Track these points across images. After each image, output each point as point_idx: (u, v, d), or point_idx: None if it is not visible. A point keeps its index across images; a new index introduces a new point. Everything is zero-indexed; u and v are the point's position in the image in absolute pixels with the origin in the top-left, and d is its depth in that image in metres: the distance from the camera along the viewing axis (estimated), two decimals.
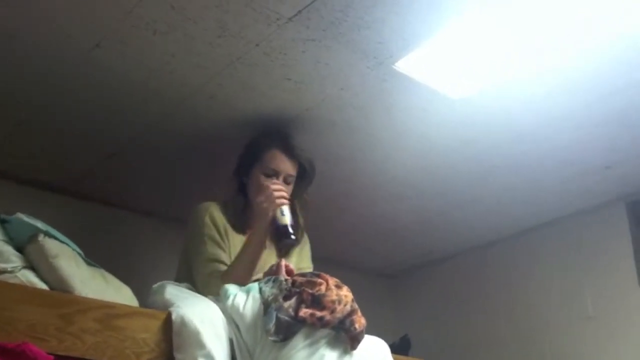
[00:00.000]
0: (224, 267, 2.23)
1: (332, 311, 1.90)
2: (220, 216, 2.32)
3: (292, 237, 2.24)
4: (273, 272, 2.14)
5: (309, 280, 1.98)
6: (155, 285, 2.18)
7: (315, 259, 2.50)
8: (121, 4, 1.89)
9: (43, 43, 2.05)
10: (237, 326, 2.00)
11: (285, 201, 2.25)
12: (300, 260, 2.41)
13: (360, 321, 1.95)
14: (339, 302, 1.92)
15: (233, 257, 2.27)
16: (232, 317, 2.01)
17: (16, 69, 2.17)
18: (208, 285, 2.19)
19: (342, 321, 1.91)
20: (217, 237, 2.28)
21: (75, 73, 2.18)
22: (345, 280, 2.09)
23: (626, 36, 2.11)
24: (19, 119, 2.42)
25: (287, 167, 2.35)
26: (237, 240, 2.32)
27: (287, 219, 2.23)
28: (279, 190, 2.25)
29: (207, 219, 2.29)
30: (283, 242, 2.26)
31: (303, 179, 2.44)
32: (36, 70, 2.17)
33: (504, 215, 3.21)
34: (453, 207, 3.12)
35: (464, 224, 3.29)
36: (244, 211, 2.37)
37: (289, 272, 2.14)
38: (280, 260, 2.17)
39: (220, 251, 2.26)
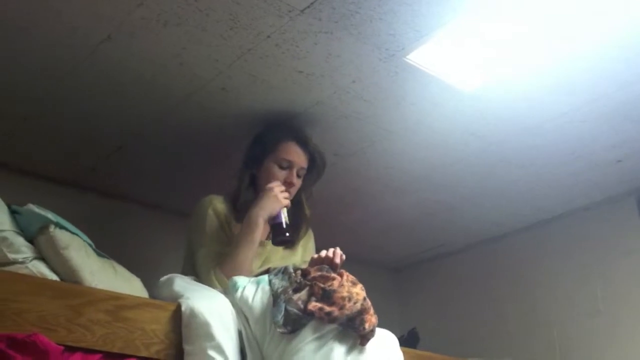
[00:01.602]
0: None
1: (341, 307, 1.89)
2: (224, 209, 2.33)
3: (287, 234, 2.26)
4: (329, 258, 2.09)
5: (323, 275, 1.97)
6: (163, 278, 2.18)
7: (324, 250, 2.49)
8: None
9: (52, 36, 2.04)
10: (246, 318, 2.00)
11: (289, 202, 2.30)
12: (306, 254, 2.41)
13: (370, 320, 1.92)
14: (349, 299, 1.90)
15: None
16: (241, 309, 2.01)
17: (25, 62, 2.16)
18: (209, 277, 2.19)
19: (351, 319, 1.89)
20: (219, 230, 2.29)
21: (85, 66, 2.17)
22: (353, 273, 2.08)
23: (634, 29, 2.10)
24: (28, 112, 2.42)
25: (301, 159, 2.37)
26: None
27: (286, 217, 2.28)
28: (284, 191, 2.30)
29: (210, 212, 2.30)
30: (279, 239, 2.27)
31: (312, 172, 2.45)
32: (45, 64, 2.17)
33: (513, 209, 3.21)
34: (462, 201, 3.12)
35: (473, 218, 3.29)
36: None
37: (342, 260, 2.12)
38: (336, 248, 2.14)
39: (221, 245, 2.27)
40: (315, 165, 2.44)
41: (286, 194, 2.30)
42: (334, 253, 2.10)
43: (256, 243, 2.23)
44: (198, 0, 1.90)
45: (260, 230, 2.24)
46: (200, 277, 2.22)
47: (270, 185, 2.30)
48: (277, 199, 2.26)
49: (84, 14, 1.96)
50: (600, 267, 3.11)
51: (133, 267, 2.18)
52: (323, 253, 2.11)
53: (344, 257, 2.12)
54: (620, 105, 2.45)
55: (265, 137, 2.40)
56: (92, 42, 2.06)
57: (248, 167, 2.39)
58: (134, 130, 2.53)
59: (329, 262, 2.07)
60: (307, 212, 2.41)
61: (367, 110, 2.44)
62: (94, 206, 2.89)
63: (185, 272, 2.30)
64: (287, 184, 2.35)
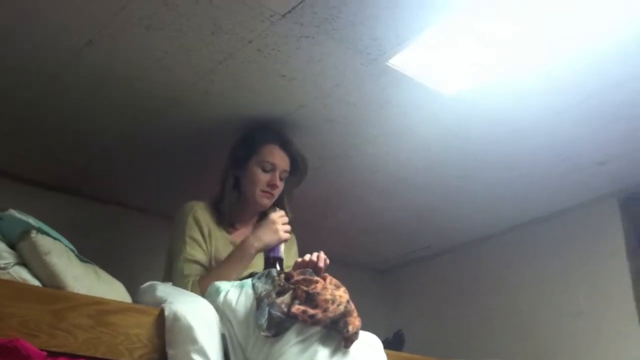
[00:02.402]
0: (200, 269, 2.25)
1: (325, 310, 1.89)
2: (205, 216, 2.33)
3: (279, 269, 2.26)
4: (313, 262, 2.10)
5: (306, 278, 1.97)
6: (144, 285, 2.18)
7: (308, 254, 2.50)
8: (113, 0, 1.88)
9: (36, 40, 2.04)
10: (229, 321, 2.00)
11: (289, 237, 2.30)
12: (289, 259, 2.40)
13: (354, 323, 1.93)
14: (333, 302, 1.91)
15: (215, 257, 2.30)
16: (224, 313, 2.01)
17: (9, 66, 2.16)
18: (183, 284, 2.20)
19: (335, 321, 1.89)
20: (199, 237, 2.29)
21: (68, 70, 2.17)
22: (338, 275, 2.08)
23: (622, 31, 2.11)
24: (12, 116, 2.41)
25: (284, 162, 2.39)
26: (220, 240, 2.34)
27: (282, 253, 2.28)
28: (287, 223, 2.30)
29: (191, 219, 2.31)
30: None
31: (295, 175, 2.46)
32: (29, 68, 2.17)
33: (497, 210, 3.22)
34: (446, 203, 3.13)
35: (457, 220, 3.30)
36: (237, 206, 2.39)
37: (325, 264, 2.12)
38: (320, 252, 2.15)
39: (200, 252, 2.28)
40: (298, 168, 2.46)
41: (287, 227, 2.30)
42: (317, 257, 2.11)
43: (241, 270, 2.23)
44: (180, 5, 1.91)
45: (251, 260, 2.25)
46: (174, 283, 2.22)
47: (273, 216, 2.29)
48: (277, 232, 2.26)
49: (67, 19, 1.96)
50: (584, 268, 3.13)
51: (119, 271, 2.18)
52: (307, 257, 2.12)
53: (327, 261, 2.13)
54: (608, 105, 2.46)
55: (247, 141, 2.41)
56: (76, 46, 2.06)
57: (231, 170, 2.40)
58: (120, 133, 2.52)
59: (313, 265, 2.08)
60: (290, 215, 2.42)
61: (351, 114, 2.44)
62: (79, 210, 2.88)
63: (166, 280, 2.30)
64: (270, 187, 2.36)
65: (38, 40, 2.04)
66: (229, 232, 2.38)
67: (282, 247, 2.29)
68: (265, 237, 2.26)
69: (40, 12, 1.93)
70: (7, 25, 1.98)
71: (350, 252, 3.57)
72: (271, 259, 2.25)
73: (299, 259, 2.13)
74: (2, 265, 1.81)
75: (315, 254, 2.11)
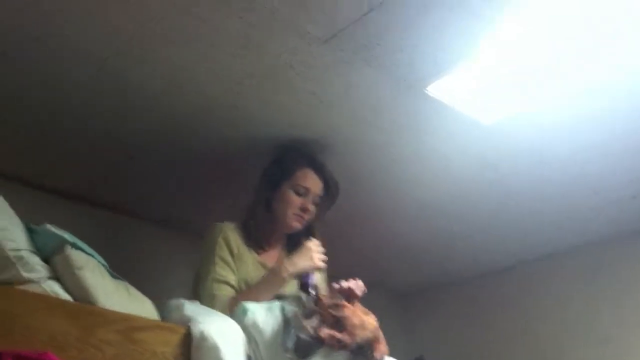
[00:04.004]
0: (229, 289, 2.24)
1: (352, 335, 1.89)
2: (235, 237, 2.33)
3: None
4: (351, 289, 2.07)
5: (335, 303, 1.97)
6: (172, 302, 2.16)
7: (332, 275, 2.48)
8: (143, 12, 1.88)
9: (62, 49, 2.02)
10: (256, 342, 1.99)
11: (323, 266, 2.29)
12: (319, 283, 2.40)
13: (380, 349, 1.93)
14: (361, 327, 1.91)
15: (244, 278, 2.29)
16: (251, 334, 2.00)
17: (34, 74, 2.14)
18: (212, 304, 2.18)
19: (361, 347, 1.89)
20: (228, 258, 2.29)
21: (93, 80, 2.15)
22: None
23: None
24: (36, 126, 2.39)
25: (318, 187, 2.38)
26: (250, 261, 2.33)
27: (316, 280, 2.26)
28: (322, 252, 2.30)
29: (221, 239, 2.30)
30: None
31: (326, 200, 2.45)
32: (54, 77, 2.15)
33: (525, 240, 3.21)
34: (474, 231, 3.11)
35: (485, 248, 3.28)
36: (267, 227, 2.38)
37: (363, 293, 2.11)
38: (357, 280, 2.12)
39: (229, 273, 2.27)
40: (330, 193, 2.44)
41: (323, 257, 2.29)
42: (356, 285, 2.09)
43: (273, 294, 2.21)
44: (206, 22, 1.89)
45: (284, 284, 2.24)
46: (202, 302, 2.20)
47: (309, 244, 2.30)
48: (312, 259, 2.26)
49: (95, 29, 1.95)
50: (612, 295, 3.12)
51: (140, 284, 2.17)
52: (345, 284, 2.10)
53: (365, 290, 2.11)
54: None
55: (281, 163, 2.40)
56: (103, 56, 2.04)
57: (263, 191, 2.39)
58: (144, 145, 2.50)
59: (351, 293, 2.06)
60: (320, 239, 2.40)
61: (383, 138, 2.44)
62: (101, 221, 2.85)
63: (193, 299, 2.29)
64: (303, 210, 2.35)
65: (65, 49, 2.02)
66: (258, 254, 2.37)
67: (317, 275, 2.28)
68: (300, 262, 2.25)
69: (69, 21, 1.92)
70: (34, 33, 1.97)
71: (372, 274, 3.49)
72: (304, 285, 2.24)
73: (337, 285, 2.11)
74: (35, 279, 1.82)
75: (352, 282, 2.10)
